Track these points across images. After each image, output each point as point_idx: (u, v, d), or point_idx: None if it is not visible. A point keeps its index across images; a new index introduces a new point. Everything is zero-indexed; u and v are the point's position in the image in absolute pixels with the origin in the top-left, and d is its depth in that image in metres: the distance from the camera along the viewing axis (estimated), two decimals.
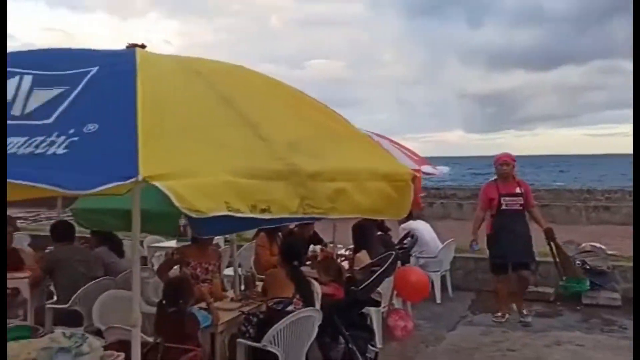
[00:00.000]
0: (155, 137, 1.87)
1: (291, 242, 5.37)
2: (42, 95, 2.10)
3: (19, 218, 11.87)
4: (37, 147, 1.87)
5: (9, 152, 1.85)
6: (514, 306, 6.68)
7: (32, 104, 2.08)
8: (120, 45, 2.69)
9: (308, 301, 4.49)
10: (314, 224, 6.38)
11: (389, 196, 2.42)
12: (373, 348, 4.94)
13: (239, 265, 7.67)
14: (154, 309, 5.27)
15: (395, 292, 5.44)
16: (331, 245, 6.55)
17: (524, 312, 6.60)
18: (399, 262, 5.00)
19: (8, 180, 1.70)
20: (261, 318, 4.38)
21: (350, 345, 4.65)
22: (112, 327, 4.08)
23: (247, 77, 2.70)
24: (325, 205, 2.15)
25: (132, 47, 2.62)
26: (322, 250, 6.25)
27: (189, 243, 5.77)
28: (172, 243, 8.57)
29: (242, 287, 5.12)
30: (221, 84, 2.39)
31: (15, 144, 1.90)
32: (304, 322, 4.24)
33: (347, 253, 6.46)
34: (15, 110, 2.06)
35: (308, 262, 5.85)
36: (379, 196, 2.39)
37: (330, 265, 5.20)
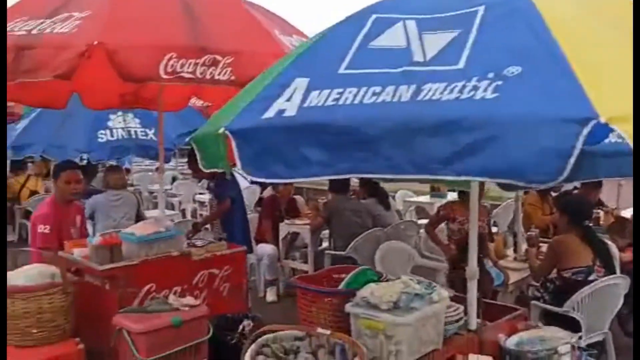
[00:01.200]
0: (591, 76, 1.67)
1: (580, 200, 4.86)
2: (435, 40, 2.03)
3: None
4: (460, 92, 1.80)
5: (432, 98, 1.81)
6: None
7: (430, 50, 2.01)
8: None
9: (609, 268, 4.03)
10: (601, 188, 5.72)
11: None
12: None
13: (495, 224, 7.39)
14: (427, 262, 5.35)
15: None
16: (615, 209, 5.84)
17: None
18: None
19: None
20: (558, 285, 4.06)
21: None
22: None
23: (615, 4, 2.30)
24: None
25: None
26: (606, 213, 5.59)
27: (453, 199, 5.63)
28: (424, 198, 8.64)
29: (524, 247, 4.84)
30: (610, 16, 2.07)
31: (435, 89, 1.86)
32: (610, 290, 3.82)
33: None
34: (417, 57, 2.01)
35: None
36: None
37: (625, 226, 4.62)
